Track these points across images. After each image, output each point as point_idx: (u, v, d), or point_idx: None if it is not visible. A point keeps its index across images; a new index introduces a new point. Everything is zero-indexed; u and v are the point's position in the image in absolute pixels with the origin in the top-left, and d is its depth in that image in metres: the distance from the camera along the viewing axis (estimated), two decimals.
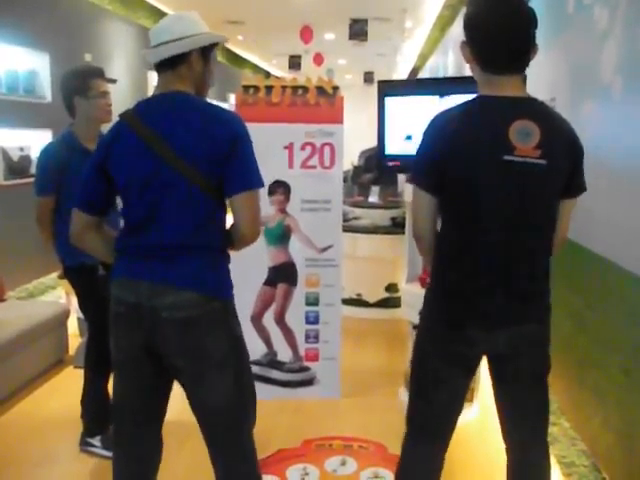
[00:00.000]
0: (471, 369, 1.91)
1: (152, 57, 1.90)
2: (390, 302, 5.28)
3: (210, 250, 1.88)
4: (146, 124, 1.83)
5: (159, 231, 1.84)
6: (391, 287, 5.31)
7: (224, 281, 1.92)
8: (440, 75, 10.29)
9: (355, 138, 9.88)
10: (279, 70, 18.61)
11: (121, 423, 2.02)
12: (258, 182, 1.88)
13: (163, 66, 1.90)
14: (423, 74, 13.45)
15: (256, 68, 17.75)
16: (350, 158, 9.10)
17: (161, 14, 9.13)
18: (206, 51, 1.95)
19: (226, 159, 1.82)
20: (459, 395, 1.93)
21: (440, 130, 1.76)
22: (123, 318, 1.89)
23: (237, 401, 1.94)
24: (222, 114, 1.89)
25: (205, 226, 1.86)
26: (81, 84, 2.81)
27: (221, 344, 1.89)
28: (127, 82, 8.24)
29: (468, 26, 1.77)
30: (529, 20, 1.73)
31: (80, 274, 2.90)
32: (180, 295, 1.81)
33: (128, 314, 1.87)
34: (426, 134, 1.82)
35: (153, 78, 8.86)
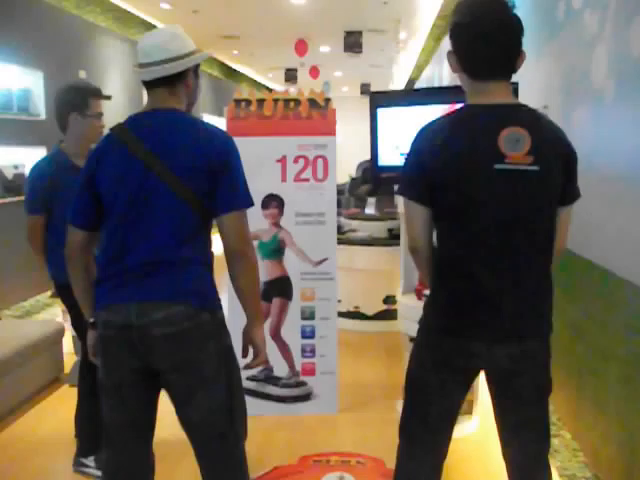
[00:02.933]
0: (468, 381, 1.87)
1: (147, 75, 1.88)
2: (388, 314, 5.23)
3: (196, 264, 1.87)
4: (136, 137, 1.83)
5: (146, 247, 1.82)
6: (389, 299, 5.27)
7: (211, 293, 1.91)
8: (436, 85, 10.31)
9: (353, 150, 9.89)
10: (275, 83, 18.69)
11: (112, 445, 1.98)
12: (247, 202, 1.89)
13: (157, 83, 1.89)
14: (419, 84, 13.49)
15: (252, 82, 17.82)
16: (348, 170, 9.11)
17: None
18: (197, 67, 1.99)
19: (215, 177, 1.82)
20: (454, 407, 1.88)
21: (428, 141, 1.74)
22: (112, 341, 1.86)
23: (228, 415, 1.92)
24: (213, 132, 1.90)
25: (191, 241, 1.85)
26: (80, 101, 2.80)
27: (212, 357, 1.87)
28: (122, 98, 8.25)
29: (454, 35, 1.76)
30: (515, 27, 1.71)
31: (72, 292, 2.87)
32: (170, 309, 1.80)
33: (117, 337, 1.84)
34: (414, 145, 1.79)
35: None
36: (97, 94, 2.88)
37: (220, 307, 1.93)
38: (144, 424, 1.96)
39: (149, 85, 1.91)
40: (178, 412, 1.92)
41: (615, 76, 2.66)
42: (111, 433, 1.96)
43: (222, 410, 1.90)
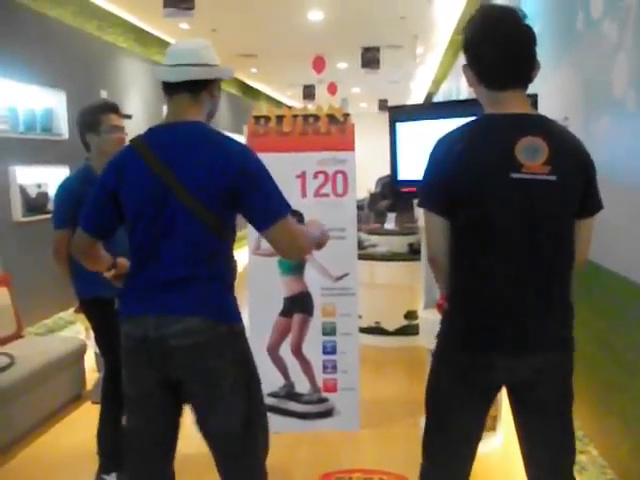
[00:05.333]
0: (490, 397, 1.84)
1: (173, 76, 1.87)
2: (410, 329, 5.19)
3: (214, 280, 1.87)
4: (156, 155, 1.84)
5: (165, 265, 1.84)
6: (410, 314, 5.23)
7: (229, 307, 1.91)
8: (454, 99, 10.29)
9: (372, 165, 9.89)
10: (294, 101, 18.79)
11: (135, 459, 1.99)
12: (285, 208, 1.87)
13: (180, 89, 1.88)
14: (437, 99, 13.48)
15: (270, 100, 17.93)
16: (367, 185, 9.10)
17: None
18: (219, 81, 1.99)
19: (240, 194, 1.81)
20: (478, 424, 1.85)
21: (446, 152, 1.74)
22: (133, 353, 1.89)
23: (247, 427, 1.91)
24: (233, 147, 1.88)
25: (210, 259, 1.86)
26: (91, 120, 2.85)
27: (229, 369, 1.87)
28: (143, 117, 8.35)
29: (470, 48, 1.76)
30: (529, 37, 1.71)
31: (95, 307, 2.90)
32: (187, 322, 1.81)
33: (137, 349, 1.86)
34: (432, 156, 1.79)
35: None
36: (107, 109, 2.90)
37: (239, 320, 1.93)
38: (165, 437, 1.97)
39: (172, 89, 1.89)
40: (199, 424, 1.93)
41: (636, 86, 2.64)
42: (132, 445, 1.97)
43: (242, 422, 1.89)
